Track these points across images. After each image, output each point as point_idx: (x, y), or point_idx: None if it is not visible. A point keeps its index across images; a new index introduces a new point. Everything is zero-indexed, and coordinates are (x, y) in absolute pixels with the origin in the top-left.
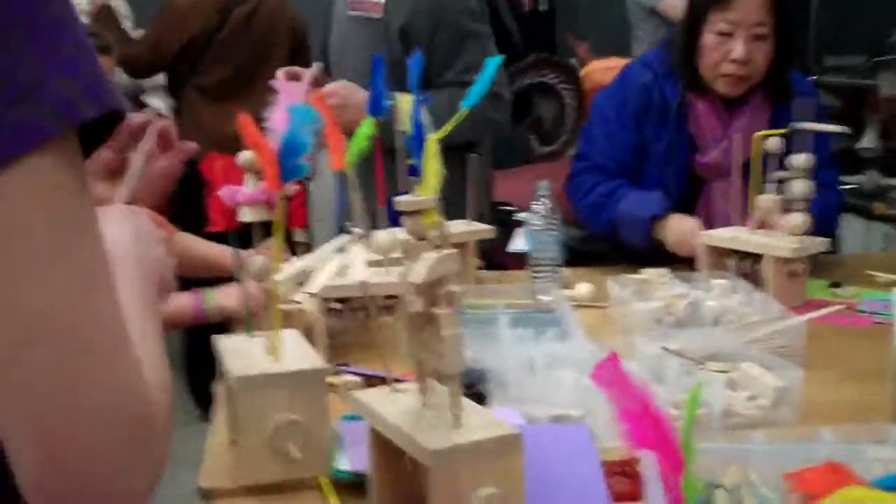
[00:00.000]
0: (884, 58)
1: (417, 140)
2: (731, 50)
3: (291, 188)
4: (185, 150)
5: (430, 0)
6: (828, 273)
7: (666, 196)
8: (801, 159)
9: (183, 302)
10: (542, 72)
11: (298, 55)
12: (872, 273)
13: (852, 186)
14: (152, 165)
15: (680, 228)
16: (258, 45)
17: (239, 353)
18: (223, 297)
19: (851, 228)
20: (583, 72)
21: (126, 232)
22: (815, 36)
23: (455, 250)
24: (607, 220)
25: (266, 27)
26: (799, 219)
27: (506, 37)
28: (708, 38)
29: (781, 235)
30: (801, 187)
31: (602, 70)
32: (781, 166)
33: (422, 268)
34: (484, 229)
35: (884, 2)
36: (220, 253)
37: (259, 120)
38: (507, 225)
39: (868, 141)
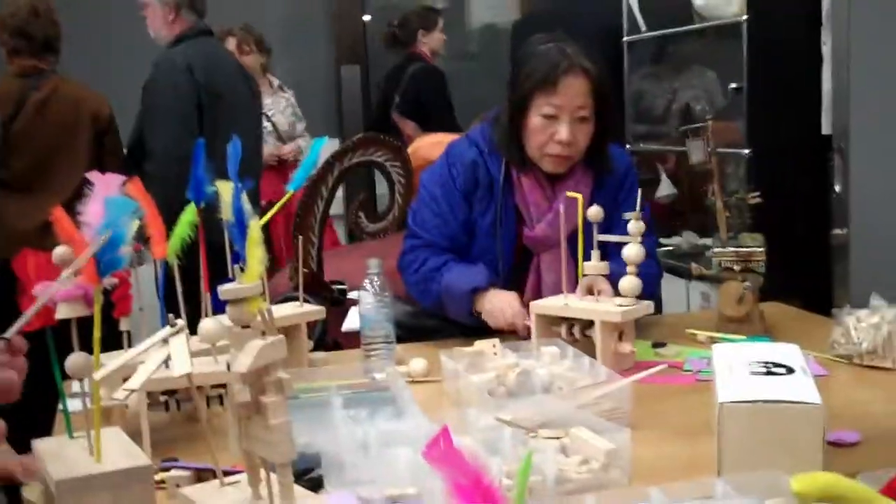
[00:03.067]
0: (691, 126)
1: (239, 227)
2: (556, 132)
3: (111, 280)
4: None
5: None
6: (650, 334)
7: (493, 271)
8: (633, 226)
9: None
10: (369, 150)
11: (104, 138)
12: (693, 332)
13: (669, 248)
14: None
15: (495, 304)
16: (57, 133)
17: (58, 456)
18: None
19: (671, 289)
20: (410, 149)
21: None
22: (629, 106)
23: (281, 336)
24: (435, 293)
25: (63, 113)
26: (633, 282)
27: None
28: (534, 120)
29: (609, 301)
30: (634, 251)
31: (428, 146)
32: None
33: (246, 357)
34: (314, 310)
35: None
36: None
37: (69, 211)
38: (339, 304)
39: (664, 188)
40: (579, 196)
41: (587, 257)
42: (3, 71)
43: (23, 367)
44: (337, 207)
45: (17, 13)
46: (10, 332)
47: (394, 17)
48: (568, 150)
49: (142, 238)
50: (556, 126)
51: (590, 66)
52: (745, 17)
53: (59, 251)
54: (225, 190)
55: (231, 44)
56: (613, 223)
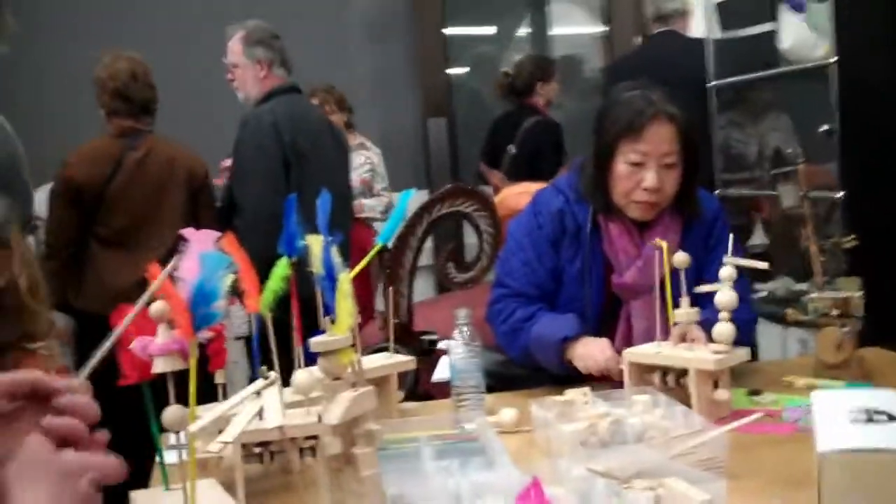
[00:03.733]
0: (781, 170)
1: (329, 280)
2: (642, 179)
3: (206, 334)
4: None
5: None
6: (746, 381)
7: (582, 318)
8: (725, 271)
9: None
10: (458, 201)
11: (199, 196)
12: (790, 379)
13: (764, 294)
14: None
15: (588, 350)
16: (153, 191)
17: None
18: None
19: (767, 335)
20: (496, 198)
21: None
22: (717, 152)
23: (371, 388)
24: (524, 344)
25: (160, 172)
26: (726, 329)
27: None
28: (619, 167)
29: (703, 348)
30: (726, 297)
31: (515, 195)
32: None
33: (337, 409)
34: (404, 360)
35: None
36: None
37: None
38: (430, 354)
39: (757, 238)
40: (664, 244)
41: (676, 304)
42: (99, 132)
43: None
44: (426, 258)
45: (116, 76)
46: (84, 373)
47: (504, 67)
48: (655, 197)
49: (235, 292)
50: (642, 173)
51: (675, 111)
52: (834, 58)
53: (156, 306)
54: (315, 244)
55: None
56: (704, 268)
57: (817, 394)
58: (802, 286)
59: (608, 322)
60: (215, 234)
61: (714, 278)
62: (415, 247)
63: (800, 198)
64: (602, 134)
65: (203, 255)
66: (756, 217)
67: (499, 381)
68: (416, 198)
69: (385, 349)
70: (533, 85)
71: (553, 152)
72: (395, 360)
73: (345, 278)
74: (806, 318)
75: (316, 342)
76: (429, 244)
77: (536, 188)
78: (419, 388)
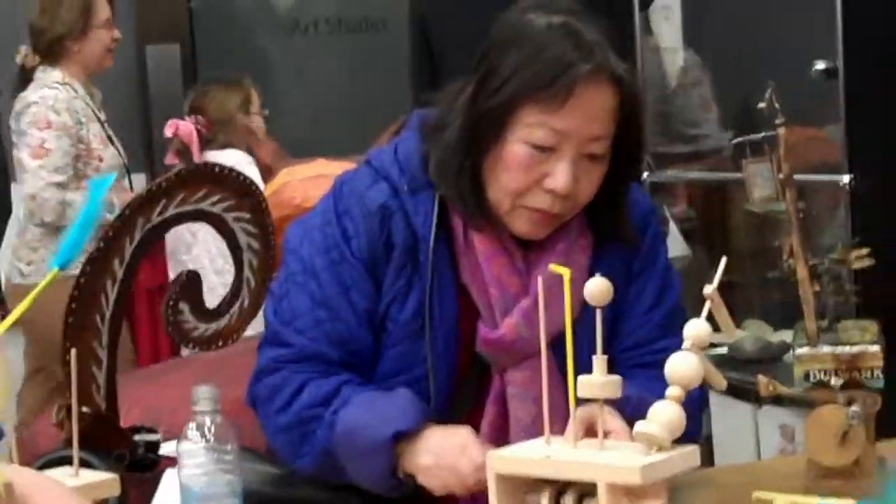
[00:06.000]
0: (749, 137)
1: None
2: (547, 173)
3: None
4: None
5: None
6: (694, 502)
7: (418, 399)
8: (694, 325)
9: None
10: (197, 192)
11: None
12: (762, 496)
13: (720, 353)
14: None
15: (443, 453)
16: None
17: None
18: None
19: (726, 420)
20: (269, 187)
21: None
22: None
23: None
24: (321, 446)
25: None
26: (672, 413)
27: None
28: (513, 149)
29: (622, 447)
30: (685, 363)
31: (301, 183)
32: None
33: None
34: (99, 481)
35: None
36: None
37: None
38: (147, 468)
39: (675, 248)
40: (566, 271)
41: (583, 369)
42: None
43: None
44: None
45: None
46: None
47: None
48: (560, 206)
49: None
50: (551, 164)
51: (622, 69)
52: None
53: None
54: None
55: None
56: (622, 309)
57: None
58: (783, 336)
59: (466, 405)
60: None
61: (642, 324)
62: (119, 276)
63: (779, 184)
64: (487, 80)
65: None
66: (670, 216)
67: None
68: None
69: (68, 460)
70: None
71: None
72: (82, 482)
73: None
74: (789, 392)
75: None
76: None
77: (337, 170)
78: None
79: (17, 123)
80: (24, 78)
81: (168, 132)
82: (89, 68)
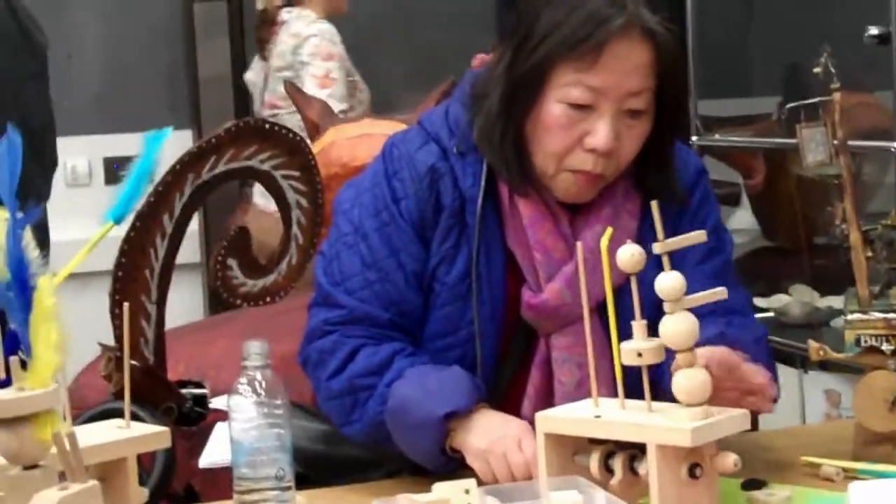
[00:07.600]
0: (804, 101)
1: (19, 289)
2: (588, 131)
3: None
4: None
5: None
6: (743, 464)
7: (467, 362)
8: None
9: None
10: (247, 150)
11: None
12: (812, 460)
13: (768, 315)
14: None
15: (494, 435)
16: None
17: None
18: None
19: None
20: (317, 146)
21: None
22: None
23: (94, 482)
24: (373, 416)
25: None
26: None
27: None
28: (552, 109)
29: (670, 409)
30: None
31: (348, 141)
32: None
33: None
34: (150, 434)
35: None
36: None
37: None
38: (196, 421)
39: (739, 221)
40: (606, 235)
41: (626, 334)
42: None
43: None
44: (190, 252)
45: None
46: None
47: None
48: (603, 165)
49: None
50: (590, 122)
51: (656, 22)
52: None
53: None
54: None
55: None
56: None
57: (857, 487)
58: (833, 301)
59: (511, 369)
60: None
61: (690, 278)
62: (168, 231)
63: (832, 150)
64: (522, 44)
65: None
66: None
67: (319, 467)
68: (172, 142)
69: (116, 413)
70: None
71: None
72: (133, 434)
73: (46, 285)
74: (839, 357)
75: None
76: (195, 226)
77: (388, 130)
78: (177, 480)
79: (295, 56)
80: (266, 19)
81: None
82: (326, 11)
